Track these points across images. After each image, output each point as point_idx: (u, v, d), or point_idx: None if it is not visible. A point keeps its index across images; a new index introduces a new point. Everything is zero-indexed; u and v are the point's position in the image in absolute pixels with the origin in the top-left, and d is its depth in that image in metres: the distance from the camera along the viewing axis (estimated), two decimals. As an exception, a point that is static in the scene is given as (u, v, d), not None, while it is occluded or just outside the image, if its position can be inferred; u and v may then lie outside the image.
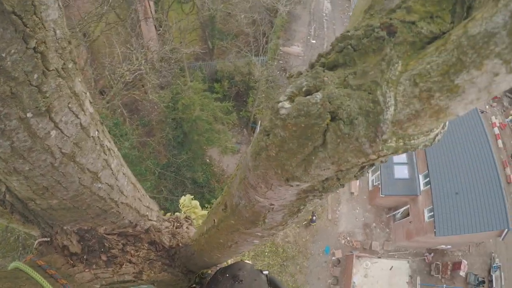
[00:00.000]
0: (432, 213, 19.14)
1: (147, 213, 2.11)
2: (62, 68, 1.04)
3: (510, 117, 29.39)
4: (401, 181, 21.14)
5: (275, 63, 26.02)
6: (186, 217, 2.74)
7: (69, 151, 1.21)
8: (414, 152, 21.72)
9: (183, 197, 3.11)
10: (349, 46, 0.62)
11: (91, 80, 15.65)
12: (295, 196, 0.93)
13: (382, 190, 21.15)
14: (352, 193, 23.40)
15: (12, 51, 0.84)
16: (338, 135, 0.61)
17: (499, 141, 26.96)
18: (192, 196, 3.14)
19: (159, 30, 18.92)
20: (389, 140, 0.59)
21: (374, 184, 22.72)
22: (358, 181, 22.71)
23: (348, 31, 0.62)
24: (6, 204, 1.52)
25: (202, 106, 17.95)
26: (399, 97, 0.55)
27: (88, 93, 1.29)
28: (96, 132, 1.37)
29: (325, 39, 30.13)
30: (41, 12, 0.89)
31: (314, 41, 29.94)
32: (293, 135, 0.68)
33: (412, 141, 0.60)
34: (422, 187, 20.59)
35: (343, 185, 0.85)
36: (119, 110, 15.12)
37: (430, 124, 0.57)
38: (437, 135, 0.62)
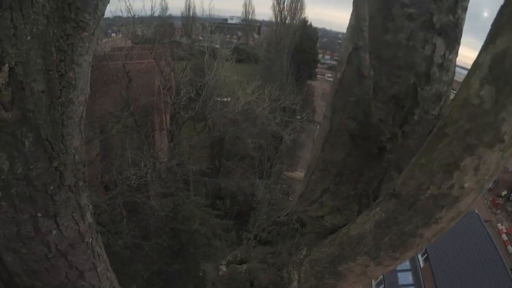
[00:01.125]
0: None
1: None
2: (74, 185, 1.34)
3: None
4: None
5: (278, 187, 26.41)
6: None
7: (63, 249, 1.44)
8: (420, 274, 20.46)
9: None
10: (274, 231, 0.87)
11: (98, 174, 16.01)
12: None
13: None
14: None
15: (38, 166, 1.16)
16: None
17: (509, 247, 25.73)
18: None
19: (171, 144, 19.89)
20: None
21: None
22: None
23: (279, 217, 0.88)
24: None
25: (202, 221, 17.82)
26: (302, 274, 0.75)
27: (90, 206, 1.56)
28: (91, 239, 1.60)
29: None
30: (66, 141, 1.22)
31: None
32: None
33: None
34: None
35: None
36: (118, 209, 15.15)
37: None
38: None
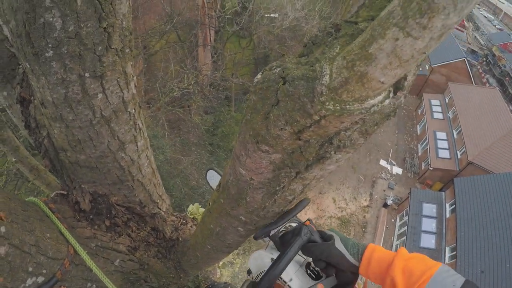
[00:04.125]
0: (454, 289, 17.96)
1: (158, 201, 2.31)
2: (120, 50, 1.37)
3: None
4: (426, 251, 19.75)
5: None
6: (193, 218, 2.96)
7: (107, 115, 1.50)
8: (444, 223, 20.79)
9: (191, 205, 3.24)
10: (310, 42, 0.88)
11: (141, 89, 16.44)
12: (271, 172, 1.10)
13: (405, 257, 19.99)
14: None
15: (89, 24, 1.18)
16: (285, 93, 0.83)
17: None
18: (201, 205, 3.26)
19: (214, 57, 19.85)
20: (327, 103, 0.77)
21: (399, 250, 21.59)
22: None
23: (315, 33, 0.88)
24: (42, 148, 1.79)
25: (240, 138, 18.16)
26: (333, 69, 0.74)
27: (135, 77, 1.60)
28: (133, 110, 1.66)
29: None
30: (115, 5, 1.24)
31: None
32: (259, 97, 0.92)
33: (348, 106, 0.76)
34: (447, 260, 19.17)
35: (310, 164, 1.01)
36: (160, 122, 15.71)
37: (359, 91, 0.74)
38: (374, 106, 0.78)
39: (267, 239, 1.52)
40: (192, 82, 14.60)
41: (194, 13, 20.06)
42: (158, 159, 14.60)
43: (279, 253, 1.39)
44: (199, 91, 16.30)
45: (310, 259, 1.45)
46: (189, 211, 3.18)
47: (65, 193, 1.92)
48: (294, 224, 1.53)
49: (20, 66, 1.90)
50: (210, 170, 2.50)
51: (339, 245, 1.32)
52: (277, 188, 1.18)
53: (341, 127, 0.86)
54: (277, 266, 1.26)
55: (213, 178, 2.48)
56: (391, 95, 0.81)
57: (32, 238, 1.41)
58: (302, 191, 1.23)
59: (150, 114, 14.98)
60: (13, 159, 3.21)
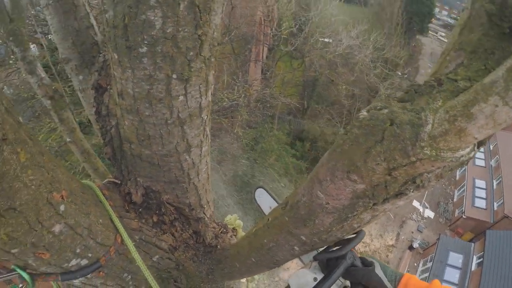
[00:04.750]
0: None
1: (205, 206, 2.34)
2: (207, 58, 1.43)
3: None
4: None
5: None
6: (233, 229, 2.97)
7: (183, 117, 1.55)
8: (468, 275, 19.76)
9: (229, 216, 3.21)
10: (412, 89, 0.97)
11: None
12: (349, 200, 1.15)
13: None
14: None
15: (186, 29, 1.25)
16: (392, 133, 0.91)
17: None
18: (238, 217, 3.25)
19: (265, 74, 20.10)
20: (426, 148, 0.86)
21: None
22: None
23: (414, 83, 0.95)
24: (107, 135, 1.86)
25: (278, 157, 18.26)
26: (436, 120, 0.84)
27: (213, 86, 1.66)
28: (206, 117, 1.71)
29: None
30: (211, 15, 1.30)
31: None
32: (363, 132, 0.99)
33: (442, 154, 0.86)
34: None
35: (387, 198, 1.07)
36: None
37: (455, 142, 0.83)
38: (462, 156, 0.88)
39: (307, 259, 1.54)
40: (242, 95, 14.84)
41: (250, 28, 20.50)
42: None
43: (322, 273, 1.48)
44: (246, 105, 16.50)
45: (348, 283, 1.48)
46: (226, 221, 3.20)
47: (118, 182, 1.98)
48: None
49: (100, 55, 1.99)
50: (260, 189, 2.54)
51: (378, 271, 1.39)
52: (349, 215, 1.22)
53: (428, 170, 0.94)
54: (323, 285, 1.33)
55: (261, 196, 2.52)
56: (476, 148, 0.91)
57: (86, 221, 1.47)
58: (369, 221, 1.27)
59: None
60: (68, 139, 3.30)
